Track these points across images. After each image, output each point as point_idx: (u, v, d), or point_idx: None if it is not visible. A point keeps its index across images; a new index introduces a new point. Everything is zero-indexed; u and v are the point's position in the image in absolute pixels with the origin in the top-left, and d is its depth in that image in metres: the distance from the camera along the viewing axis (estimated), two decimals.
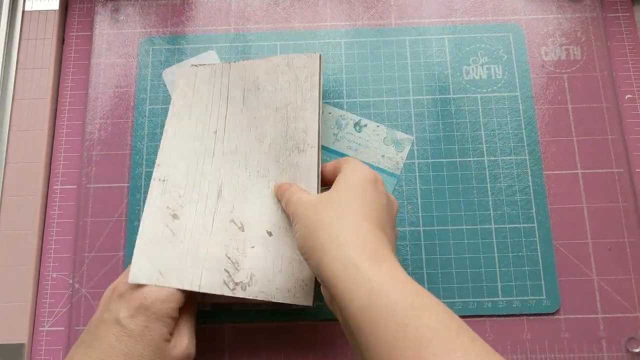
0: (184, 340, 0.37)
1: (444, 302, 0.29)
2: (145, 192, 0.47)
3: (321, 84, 0.43)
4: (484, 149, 0.48)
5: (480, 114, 0.49)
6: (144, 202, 0.47)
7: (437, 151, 0.48)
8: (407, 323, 0.25)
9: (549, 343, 0.44)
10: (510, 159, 0.48)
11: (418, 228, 0.46)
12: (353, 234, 0.31)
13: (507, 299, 0.44)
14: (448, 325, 0.26)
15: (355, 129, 0.49)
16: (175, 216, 0.40)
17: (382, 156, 0.48)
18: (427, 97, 0.49)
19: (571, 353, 0.43)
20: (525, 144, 0.48)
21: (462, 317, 0.44)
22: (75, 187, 0.48)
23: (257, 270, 0.39)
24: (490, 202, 0.47)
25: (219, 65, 0.46)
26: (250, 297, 0.38)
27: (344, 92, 0.50)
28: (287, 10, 0.53)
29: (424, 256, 0.46)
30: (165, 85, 0.50)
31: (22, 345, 0.44)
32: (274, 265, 0.39)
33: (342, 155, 0.48)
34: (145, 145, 0.49)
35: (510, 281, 0.45)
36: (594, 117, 0.49)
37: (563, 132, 0.48)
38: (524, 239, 0.46)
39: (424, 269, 0.45)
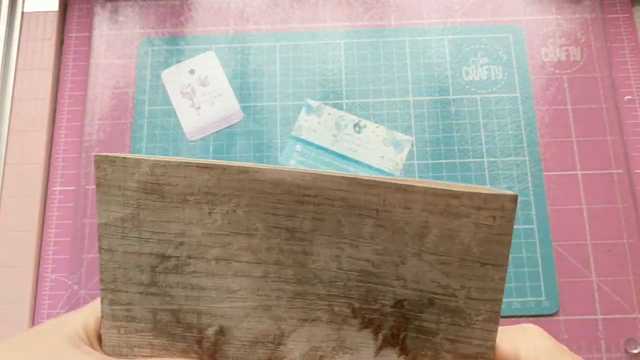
0: None
1: None
2: None
3: None
4: (484, 150, 0.48)
5: (480, 115, 0.49)
6: None
7: (437, 152, 0.48)
8: None
9: None
10: (510, 160, 0.48)
11: None
12: None
13: (507, 300, 0.44)
14: None
15: (355, 130, 0.49)
16: None
17: (382, 157, 0.48)
18: (427, 98, 0.49)
19: None
20: (524, 145, 0.48)
21: None
22: (74, 188, 0.48)
23: None
24: None
25: None
26: None
27: (343, 93, 0.50)
28: (286, 11, 0.53)
29: None
30: (165, 87, 0.50)
31: None
32: None
33: (342, 156, 0.48)
34: (144, 146, 0.49)
35: (509, 282, 0.45)
36: (594, 118, 0.49)
37: (563, 133, 0.48)
38: (523, 240, 0.46)
39: None
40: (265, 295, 0.25)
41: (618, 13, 0.52)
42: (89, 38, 0.52)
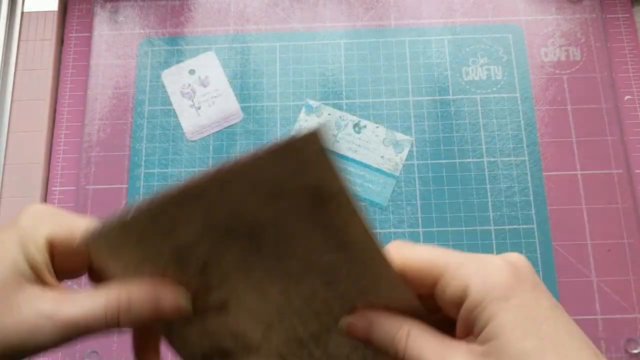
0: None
1: None
2: (144, 194, 0.47)
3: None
4: (484, 150, 0.48)
5: (480, 115, 0.49)
6: None
7: (437, 152, 0.48)
8: None
9: None
10: (510, 160, 0.48)
11: (417, 229, 0.46)
12: None
13: None
14: None
15: (355, 130, 0.49)
16: None
17: (381, 157, 0.48)
18: (427, 98, 0.49)
19: None
20: (524, 145, 0.48)
21: None
22: (74, 188, 0.48)
23: None
24: (490, 204, 0.47)
25: None
26: None
27: (343, 93, 0.50)
28: (286, 11, 0.53)
29: None
30: (165, 87, 0.50)
31: None
32: None
33: (342, 157, 0.48)
34: (144, 146, 0.49)
35: None
36: (594, 118, 0.49)
37: (562, 133, 0.48)
38: (523, 240, 0.46)
39: None
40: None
41: (618, 13, 0.52)
42: (89, 38, 0.52)
